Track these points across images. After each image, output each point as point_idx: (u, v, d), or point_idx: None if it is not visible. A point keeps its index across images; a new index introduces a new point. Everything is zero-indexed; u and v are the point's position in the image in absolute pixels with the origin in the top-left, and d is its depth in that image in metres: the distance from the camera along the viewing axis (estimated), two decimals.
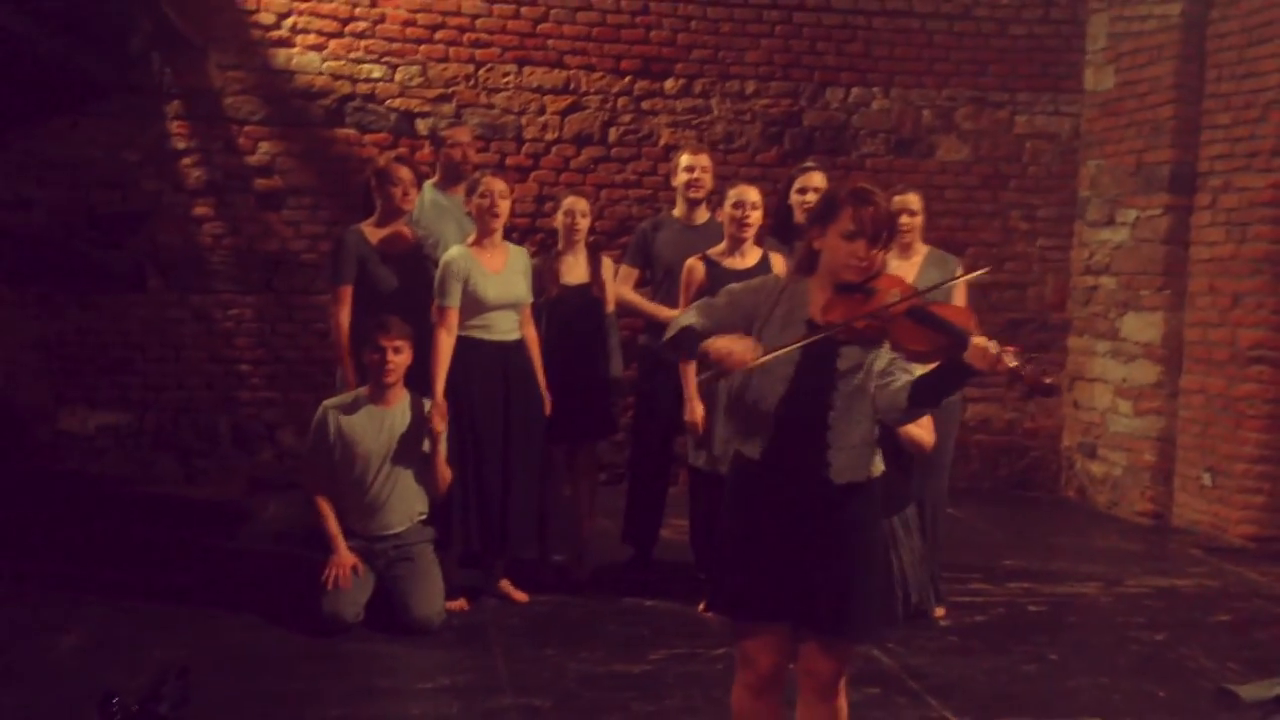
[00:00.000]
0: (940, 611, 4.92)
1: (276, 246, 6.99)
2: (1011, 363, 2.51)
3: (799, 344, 2.69)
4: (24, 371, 6.82)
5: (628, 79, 7.29)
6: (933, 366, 2.66)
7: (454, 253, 4.77)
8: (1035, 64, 7.67)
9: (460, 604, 4.78)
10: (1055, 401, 7.83)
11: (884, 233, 2.70)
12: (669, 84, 7.34)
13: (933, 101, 7.61)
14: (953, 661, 4.37)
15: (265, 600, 4.76)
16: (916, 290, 2.73)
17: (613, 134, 7.29)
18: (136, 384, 6.98)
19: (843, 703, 2.89)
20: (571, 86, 7.23)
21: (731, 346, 2.68)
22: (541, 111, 7.22)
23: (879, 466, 2.83)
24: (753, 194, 4.83)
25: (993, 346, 2.51)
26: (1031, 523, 6.84)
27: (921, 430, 4.70)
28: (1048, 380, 2.56)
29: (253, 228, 6.99)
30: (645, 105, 7.33)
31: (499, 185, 4.75)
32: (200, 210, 6.95)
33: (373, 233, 4.97)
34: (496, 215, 4.75)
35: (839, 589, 2.75)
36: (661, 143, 7.31)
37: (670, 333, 2.87)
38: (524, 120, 7.20)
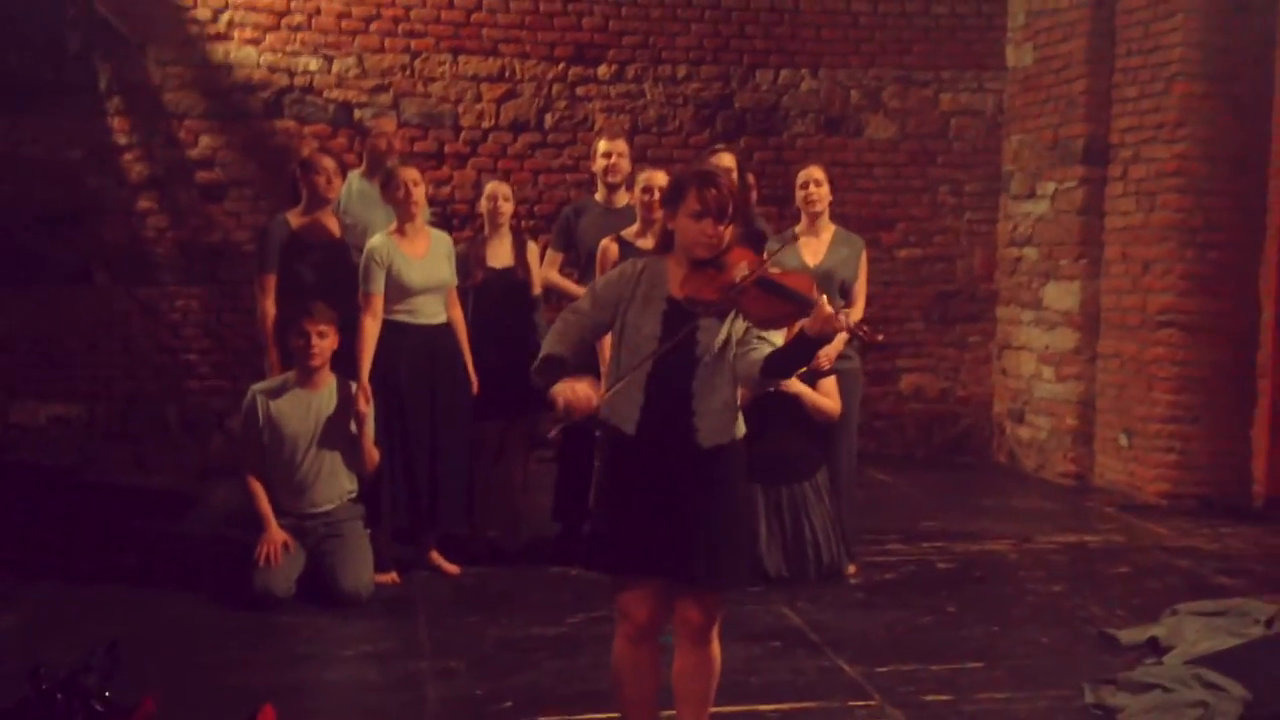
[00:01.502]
0: (852, 569, 5.16)
1: (219, 238, 7.15)
2: (849, 323, 2.73)
3: (646, 359, 2.88)
4: None
5: (562, 65, 7.47)
6: (785, 343, 2.87)
7: (376, 241, 4.96)
8: (958, 43, 7.89)
9: (391, 577, 4.99)
10: (986, 369, 8.09)
11: (728, 210, 2.91)
12: (602, 70, 7.53)
13: (860, 81, 7.82)
14: (856, 616, 4.61)
15: (205, 580, 4.94)
16: (763, 261, 2.94)
17: (548, 120, 7.48)
18: (86, 376, 7.15)
19: (715, 648, 3.12)
20: (506, 74, 7.42)
21: (572, 398, 2.83)
22: (478, 99, 7.40)
23: (741, 429, 3.05)
24: (660, 178, 5.01)
25: (831, 312, 2.73)
26: (957, 487, 7.09)
27: (827, 399, 4.95)
28: (879, 338, 2.78)
29: (195, 220, 7.16)
30: (579, 91, 7.51)
31: (411, 174, 4.94)
32: (144, 204, 7.12)
33: (297, 221, 5.15)
34: (415, 203, 4.94)
35: (707, 543, 2.97)
36: (596, 127, 7.47)
37: (537, 363, 3.02)
38: (460, 108, 7.38)
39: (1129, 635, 4.26)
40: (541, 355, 3.02)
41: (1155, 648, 4.12)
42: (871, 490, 6.97)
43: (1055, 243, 7.33)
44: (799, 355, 2.87)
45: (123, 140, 7.04)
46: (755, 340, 2.93)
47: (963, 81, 7.91)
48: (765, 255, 2.99)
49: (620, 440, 3.01)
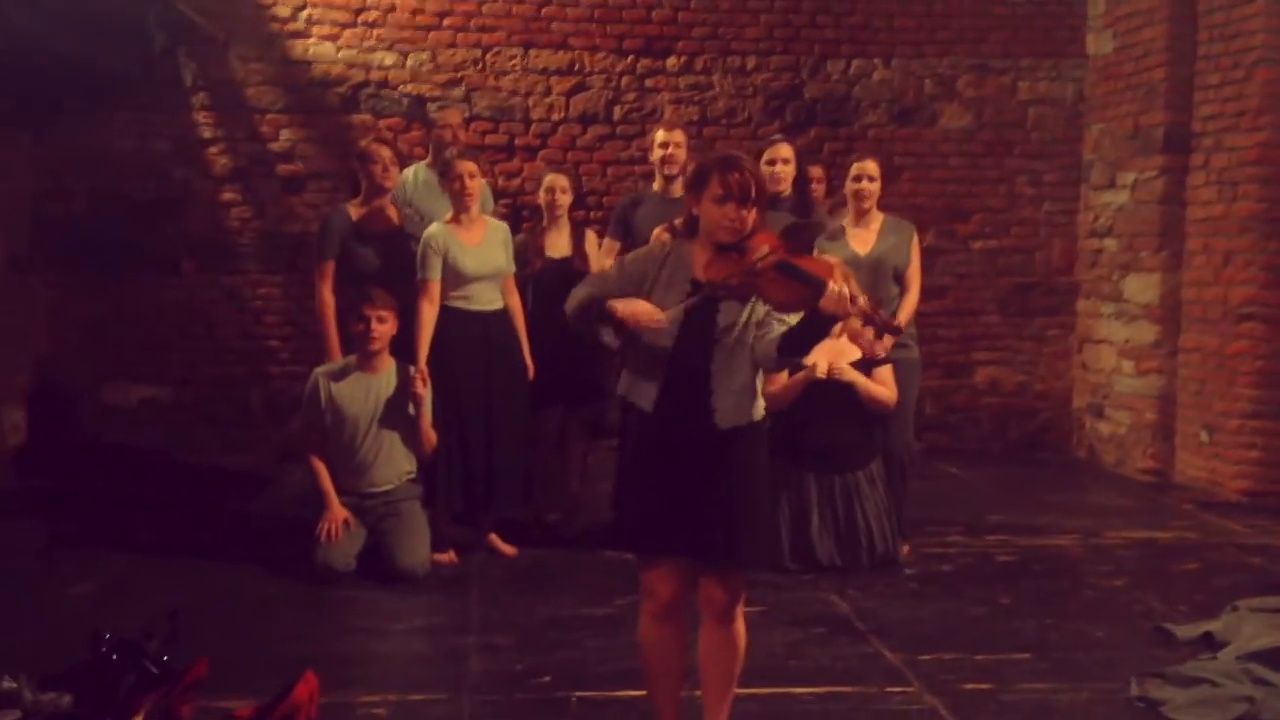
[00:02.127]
0: (905, 549, 5.12)
1: (299, 228, 7.35)
2: (862, 307, 2.73)
3: (680, 308, 2.92)
4: (69, 350, 7.28)
5: (631, 58, 7.53)
6: (799, 319, 2.88)
7: (433, 229, 5.07)
8: (1037, 30, 7.75)
9: (449, 556, 5.10)
10: (1065, 363, 7.93)
11: (750, 194, 2.92)
12: (671, 62, 7.56)
13: (934, 70, 7.73)
14: (904, 605, 4.57)
15: (272, 556, 5.10)
16: (781, 244, 2.95)
17: (617, 112, 7.54)
18: (174, 360, 7.41)
19: (740, 627, 3.13)
20: (576, 67, 7.49)
21: (636, 308, 2.94)
22: (548, 92, 7.49)
23: (760, 411, 3.06)
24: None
25: (845, 292, 2.74)
26: (1030, 482, 6.97)
27: (883, 388, 4.93)
28: (895, 322, 2.78)
29: (277, 211, 7.37)
30: (648, 83, 7.56)
31: (468, 166, 5.04)
32: (227, 196, 7.35)
33: (357, 211, 5.28)
34: (469, 194, 5.03)
35: (725, 523, 2.99)
36: (665, 119, 7.51)
37: (572, 305, 3.11)
38: (531, 101, 7.48)
39: (1185, 630, 4.16)
40: (579, 300, 3.08)
41: (1210, 643, 4.02)
42: (940, 483, 6.92)
43: (1135, 234, 7.15)
44: (812, 333, 2.88)
45: (207, 134, 7.29)
46: (774, 323, 2.94)
47: (1041, 69, 7.76)
48: (786, 240, 2.98)
49: (642, 420, 3.04)
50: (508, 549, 5.25)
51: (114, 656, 3.48)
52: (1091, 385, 7.67)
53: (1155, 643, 4.14)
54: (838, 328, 4.95)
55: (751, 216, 2.97)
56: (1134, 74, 7.13)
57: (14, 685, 3.32)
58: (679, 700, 3.18)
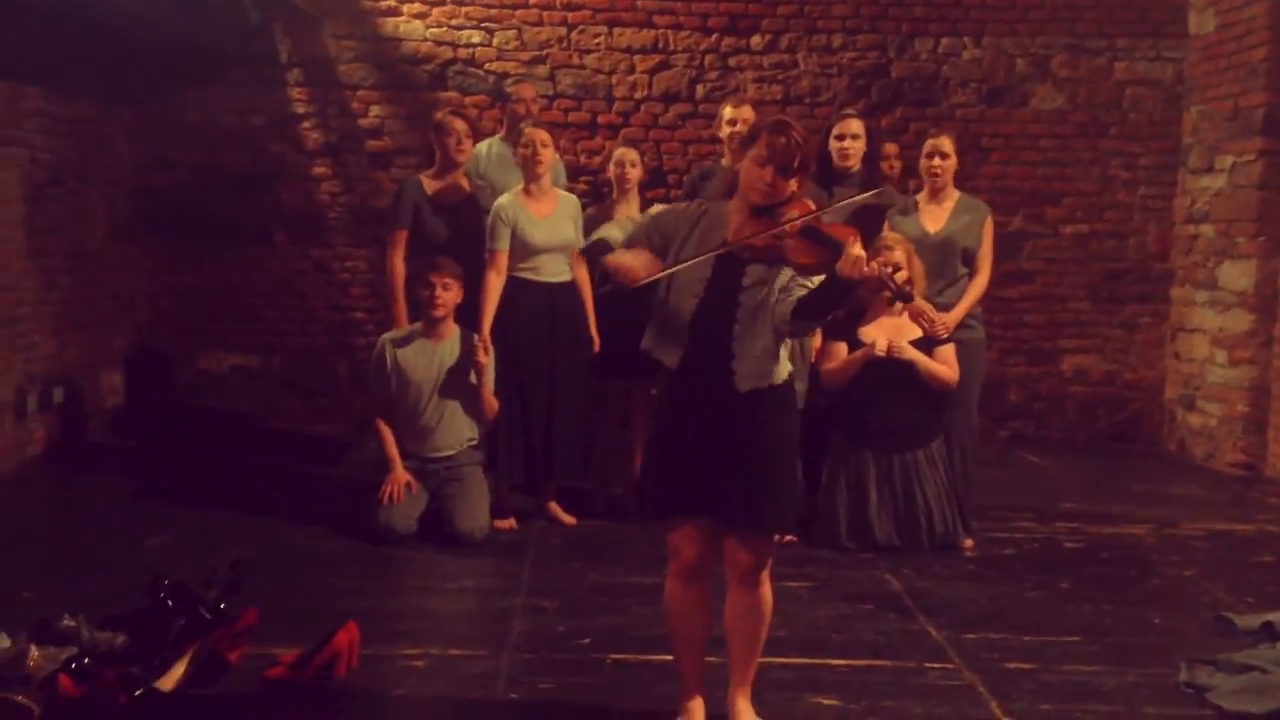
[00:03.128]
0: (969, 543, 5.04)
1: (386, 203, 7.45)
2: (877, 270, 2.72)
3: (696, 260, 2.94)
4: (167, 317, 7.57)
5: (714, 36, 7.51)
6: (819, 283, 2.87)
7: (503, 200, 5.15)
8: (1135, 9, 7.52)
9: (509, 523, 5.19)
10: (1157, 353, 7.70)
11: (793, 163, 2.92)
12: (755, 40, 7.53)
13: (1026, 50, 7.56)
14: (960, 587, 4.51)
15: (340, 517, 5.24)
16: (813, 210, 2.93)
17: (699, 90, 7.53)
18: (265, 329, 7.65)
19: (766, 591, 3.13)
20: (660, 45, 7.51)
21: (630, 261, 2.95)
22: (631, 71, 7.52)
23: (783, 373, 3.04)
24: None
25: (862, 257, 2.72)
26: (1113, 472, 6.79)
27: (944, 367, 4.87)
28: (909, 288, 2.76)
29: (365, 186, 7.54)
30: (732, 62, 7.54)
31: (541, 135, 5.09)
32: (319, 170, 7.55)
33: (430, 183, 5.39)
34: (540, 163, 5.10)
35: (749, 485, 2.99)
36: (749, 97, 7.49)
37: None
38: (614, 80, 7.52)
39: (1246, 620, 4.03)
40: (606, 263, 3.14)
41: (1271, 633, 3.89)
42: (1018, 470, 6.81)
43: (1232, 219, 6.91)
44: (829, 297, 2.86)
45: (301, 109, 7.49)
46: (796, 288, 2.93)
47: (1139, 50, 7.53)
48: (812, 208, 2.96)
49: (667, 378, 3.07)
50: (568, 518, 5.32)
51: (169, 601, 3.65)
52: (1184, 376, 7.44)
53: (1214, 632, 4.02)
54: (898, 306, 4.92)
55: (789, 186, 2.96)
56: (1235, 54, 6.88)
57: (73, 624, 3.51)
58: (702, 663, 3.20)
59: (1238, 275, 6.84)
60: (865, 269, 2.72)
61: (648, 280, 2.95)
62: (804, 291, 2.92)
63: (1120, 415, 7.75)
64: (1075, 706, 3.37)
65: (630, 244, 3.15)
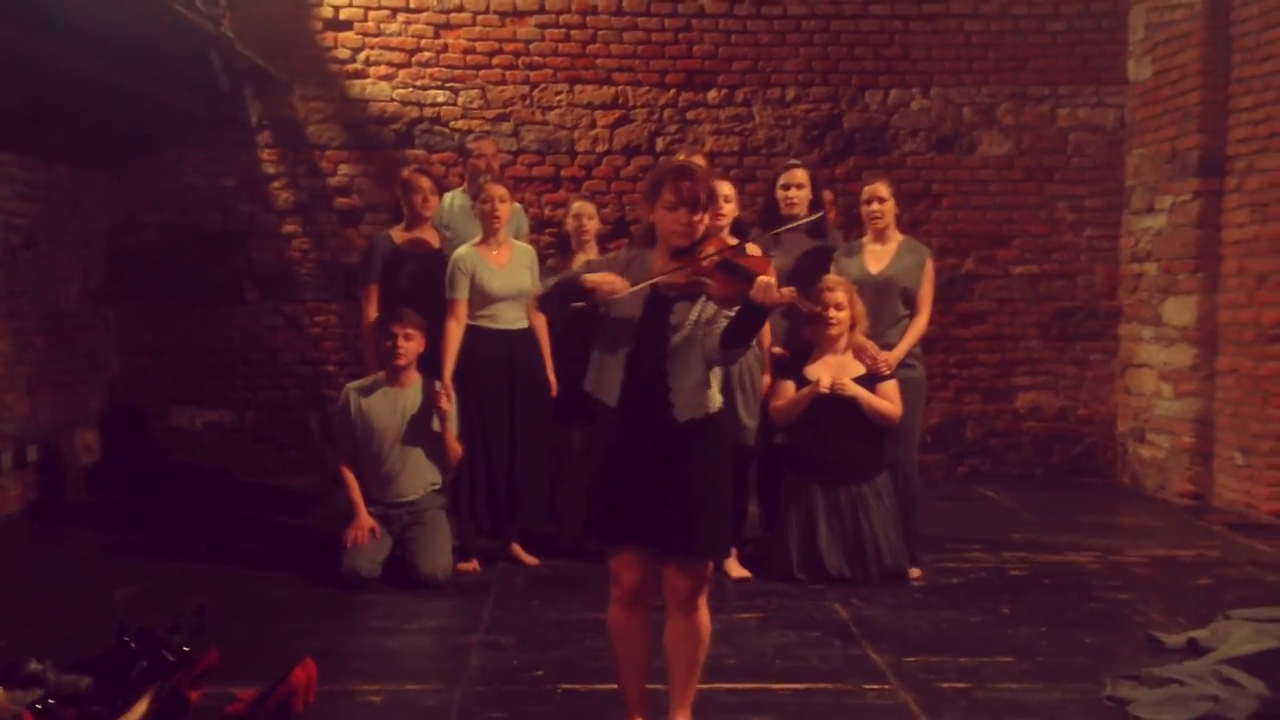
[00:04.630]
0: (916, 573, 5.20)
1: (356, 259, 7.67)
2: (787, 296, 2.94)
3: (648, 284, 3.12)
4: (140, 376, 7.73)
5: (672, 92, 7.78)
6: (735, 315, 3.07)
7: (462, 251, 5.35)
8: (1077, 57, 7.82)
9: (472, 565, 5.34)
10: (1109, 388, 7.92)
11: (700, 201, 3.12)
12: (712, 94, 7.80)
13: (972, 99, 7.84)
14: (905, 614, 4.67)
15: (307, 565, 5.37)
16: (728, 245, 3.14)
17: (660, 143, 7.78)
18: (238, 385, 7.81)
19: (703, 616, 3.29)
20: (620, 101, 7.77)
21: (603, 278, 3.14)
22: (593, 125, 7.77)
23: (715, 403, 3.23)
24: (725, 187, 5.22)
25: (773, 283, 2.94)
26: (1067, 505, 6.96)
27: (886, 403, 5.05)
28: (815, 309, 2.97)
29: (335, 242, 7.75)
30: (690, 115, 7.80)
31: (499, 190, 5.31)
32: (289, 228, 7.75)
33: (400, 236, 5.60)
34: (497, 216, 5.30)
35: (687, 514, 3.17)
36: (706, 149, 7.74)
37: (545, 289, 3.34)
38: (576, 134, 7.76)
39: (1173, 639, 4.20)
40: (553, 282, 3.34)
41: (1195, 649, 4.05)
42: (974, 505, 6.98)
43: (1173, 257, 7.16)
44: (748, 324, 3.06)
45: (271, 170, 7.71)
46: (721, 320, 3.13)
47: (1081, 96, 7.82)
48: (726, 241, 3.18)
49: (608, 415, 3.25)
50: (530, 559, 5.47)
51: (133, 644, 3.78)
52: (1134, 410, 7.65)
53: (1143, 650, 4.19)
54: (843, 343, 5.12)
55: (703, 221, 3.17)
56: (1170, 98, 7.16)
57: (39, 667, 3.63)
58: (644, 686, 3.35)
59: (1180, 311, 7.07)
60: (777, 295, 2.92)
61: (625, 294, 3.12)
62: (727, 322, 3.12)
63: (1075, 449, 7.95)
64: None
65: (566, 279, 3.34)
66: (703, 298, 3.14)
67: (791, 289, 2.99)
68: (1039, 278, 7.90)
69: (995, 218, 7.88)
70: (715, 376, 3.25)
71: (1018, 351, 7.91)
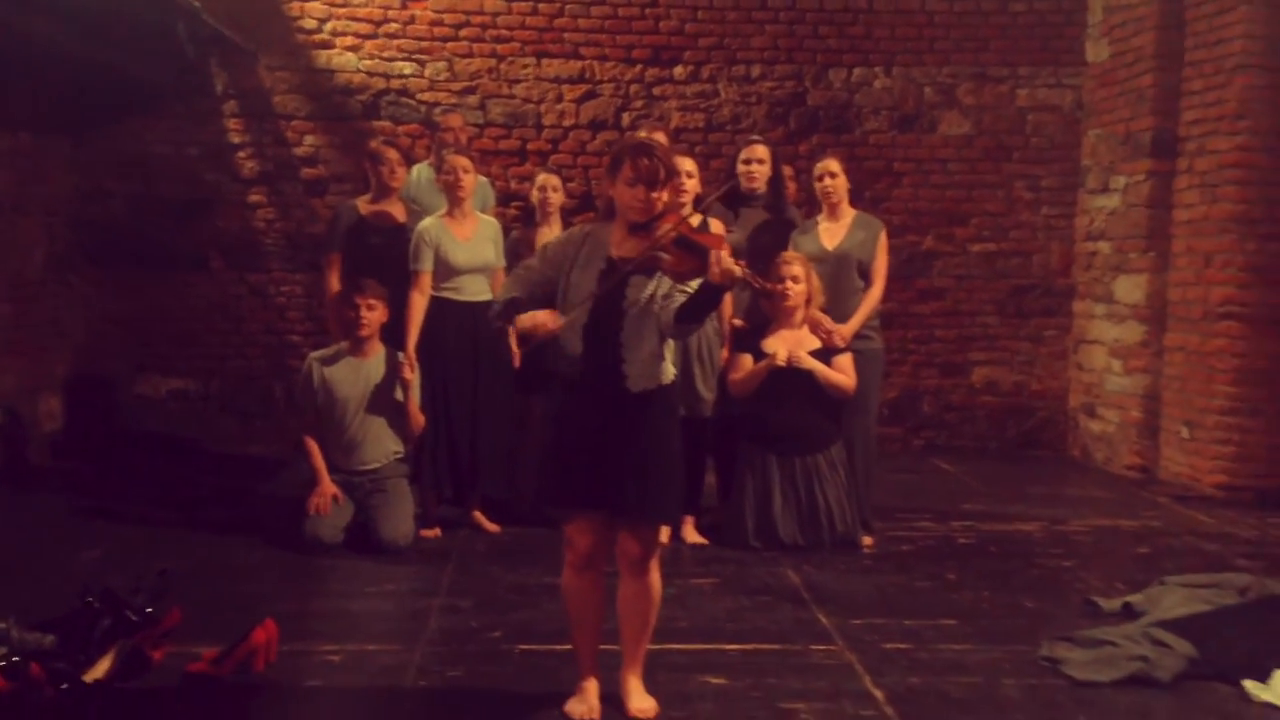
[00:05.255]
0: (868, 541, 5.34)
1: (321, 229, 7.71)
2: (740, 272, 3.03)
3: (589, 299, 3.22)
4: (106, 343, 7.74)
5: (639, 67, 7.84)
6: (693, 292, 3.16)
7: (426, 223, 5.42)
8: (1036, 39, 7.94)
9: (435, 532, 5.44)
10: (1062, 364, 8.08)
11: (659, 176, 3.21)
12: (678, 70, 7.87)
13: (934, 79, 7.95)
14: (854, 579, 4.81)
15: (270, 531, 5.44)
16: (683, 220, 3.24)
17: (626, 119, 7.85)
18: (202, 354, 7.84)
19: (654, 578, 3.41)
20: (586, 75, 7.82)
21: (535, 319, 3.27)
22: (559, 100, 7.83)
23: (668, 375, 3.34)
24: (687, 163, 5.31)
25: (727, 261, 3.03)
26: (1018, 477, 7.13)
27: (842, 375, 5.17)
28: (769, 286, 3.06)
29: (300, 213, 7.78)
30: (656, 91, 7.87)
31: (461, 161, 5.37)
32: (254, 198, 7.77)
33: (366, 207, 5.66)
34: (461, 188, 5.37)
35: (638, 480, 3.28)
36: (672, 125, 7.81)
37: (496, 306, 3.45)
38: (543, 108, 7.82)
39: (1110, 603, 4.36)
40: (500, 300, 3.40)
41: (1130, 613, 4.21)
42: (928, 477, 7.13)
43: (1125, 236, 7.31)
44: (705, 302, 3.16)
45: (236, 139, 7.72)
46: (677, 295, 3.22)
47: (1040, 77, 7.95)
48: (685, 215, 3.27)
49: (564, 387, 3.34)
50: (491, 526, 5.57)
51: (96, 604, 3.85)
52: (1085, 385, 7.82)
53: (1081, 614, 4.34)
54: (799, 317, 5.24)
55: (661, 198, 3.26)
56: (1126, 80, 7.30)
57: (3, 625, 3.69)
58: (596, 646, 3.47)
59: (1131, 289, 7.23)
60: (731, 273, 3.02)
61: (557, 327, 3.23)
62: (684, 297, 3.22)
63: (1028, 423, 8.12)
64: (940, 679, 3.67)
65: (524, 276, 3.42)
66: (659, 273, 3.24)
67: (744, 265, 3.08)
68: (996, 255, 8.04)
69: (954, 196, 8.00)
70: (669, 349, 3.35)
71: (974, 327, 8.06)
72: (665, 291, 3.26)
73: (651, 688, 3.48)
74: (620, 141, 3.45)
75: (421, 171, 6.22)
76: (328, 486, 5.22)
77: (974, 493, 6.62)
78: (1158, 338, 7.07)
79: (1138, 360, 7.17)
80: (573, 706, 3.39)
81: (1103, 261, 7.60)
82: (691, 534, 5.38)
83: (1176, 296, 6.93)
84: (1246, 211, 6.39)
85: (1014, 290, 8.06)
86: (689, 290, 3.21)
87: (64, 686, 3.37)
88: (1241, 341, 6.41)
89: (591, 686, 3.43)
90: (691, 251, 3.14)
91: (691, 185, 5.30)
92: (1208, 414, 6.56)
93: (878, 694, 3.56)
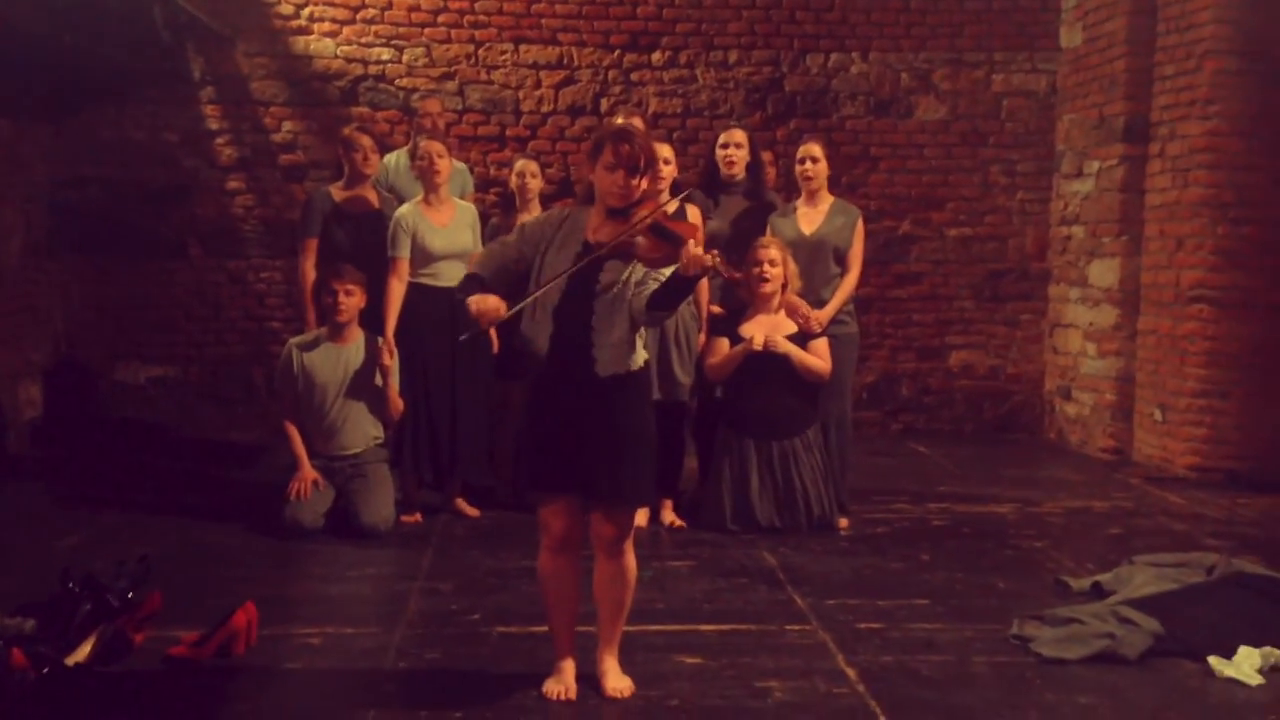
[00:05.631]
0: (844, 523, 5.41)
1: (299, 215, 7.73)
2: (710, 262, 3.06)
3: (561, 278, 3.25)
4: (85, 330, 7.74)
5: (617, 53, 7.87)
6: (665, 280, 3.20)
7: (404, 209, 5.44)
8: (1011, 24, 8.00)
9: (415, 517, 5.47)
10: (1037, 348, 8.17)
11: (639, 163, 3.25)
12: (656, 56, 7.89)
13: (910, 64, 8.00)
14: (829, 561, 4.87)
15: (251, 516, 5.46)
16: (660, 208, 3.27)
17: (604, 104, 7.87)
18: (181, 340, 7.85)
19: (629, 560, 3.46)
20: (565, 61, 7.84)
21: (482, 306, 3.26)
22: (538, 85, 7.85)
23: (639, 361, 3.38)
24: (665, 150, 5.33)
25: (698, 251, 3.07)
26: (992, 459, 7.21)
27: (817, 360, 5.23)
28: (740, 276, 3.10)
29: (279, 199, 7.78)
30: (634, 77, 7.89)
31: (436, 147, 5.39)
32: (233, 184, 7.78)
33: (339, 193, 5.68)
34: (437, 173, 5.39)
35: (611, 463, 3.32)
36: (651, 111, 7.85)
37: (461, 281, 3.46)
38: (521, 94, 7.84)
39: (1079, 582, 4.43)
40: (466, 274, 3.43)
41: (1099, 592, 4.29)
42: (905, 460, 7.20)
43: (1099, 220, 7.39)
44: (676, 290, 3.20)
45: (214, 126, 7.72)
46: (650, 282, 3.26)
47: (1015, 63, 8.01)
48: (661, 204, 3.32)
49: (535, 370, 3.38)
50: (472, 511, 5.61)
51: (76, 589, 3.88)
52: (1061, 368, 7.91)
53: (1052, 593, 4.42)
54: (776, 302, 5.28)
55: (640, 185, 3.29)
56: (1099, 65, 7.37)
57: None
58: (573, 627, 3.52)
59: (1104, 273, 7.31)
60: (702, 261, 3.06)
61: (503, 317, 3.26)
62: (656, 285, 3.26)
63: (1004, 407, 8.20)
64: (911, 657, 3.74)
65: (497, 253, 3.46)
66: (634, 259, 3.27)
67: (715, 254, 3.11)
68: (972, 240, 8.11)
69: (931, 181, 8.06)
70: (641, 336, 3.39)
71: (951, 311, 8.13)
72: (639, 278, 3.29)
73: (628, 668, 3.53)
74: (601, 127, 3.48)
75: (399, 158, 6.23)
76: (308, 472, 5.25)
77: (950, 475, 6.69)
78: (1131, 321, 7.15)
79: (1111, 344, 7.25)
80: (550, 686, 3.44)
81: (1077, 246, 7.68)
82: (670, 517, 5.43)
83: (1149, 280, 7.01)
84: (1217, 195, 6.46)
85: (990, 274, 8.13)
86: (661, 278, 3.24)
87: (45, 670, 3.40)
88: (1212, 325, 6.49)
89: (568, 667, 3.48)
90: (666, 239, 3.17)
91: (668, 172, 5.32)
92: (1180, 396, 6.65)
93: (850, 672, 3.62)
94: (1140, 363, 7.10)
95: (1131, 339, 7.16)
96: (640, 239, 3.20)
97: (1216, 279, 6.47)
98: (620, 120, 5.76)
